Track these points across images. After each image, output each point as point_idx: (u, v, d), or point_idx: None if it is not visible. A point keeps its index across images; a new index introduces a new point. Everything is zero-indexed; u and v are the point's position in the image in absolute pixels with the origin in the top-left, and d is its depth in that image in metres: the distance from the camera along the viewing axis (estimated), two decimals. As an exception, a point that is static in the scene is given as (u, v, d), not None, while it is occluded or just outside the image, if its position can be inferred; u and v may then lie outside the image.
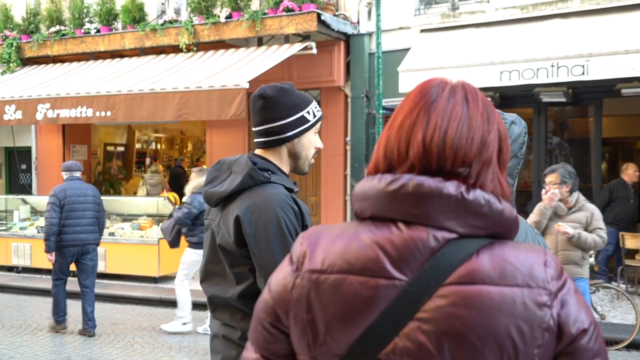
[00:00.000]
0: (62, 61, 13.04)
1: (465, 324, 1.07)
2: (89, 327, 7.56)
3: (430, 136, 1.16)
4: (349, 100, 11.27)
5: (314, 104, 2.44)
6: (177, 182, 14.38)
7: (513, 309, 1.07)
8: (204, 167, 9.87)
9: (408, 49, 10.25)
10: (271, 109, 2.33)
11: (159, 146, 16.56)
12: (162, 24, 11.69)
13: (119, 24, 12.39)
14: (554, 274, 1.12)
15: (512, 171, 1.88)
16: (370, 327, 1.12)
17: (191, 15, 11.62)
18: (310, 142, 2.42)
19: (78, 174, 7.77)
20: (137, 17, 11.96)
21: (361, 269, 1.14)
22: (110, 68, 11.96)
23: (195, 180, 7.66)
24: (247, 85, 9.36)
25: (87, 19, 12.63)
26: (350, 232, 1.19)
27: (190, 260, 7.67)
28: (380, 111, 9.88)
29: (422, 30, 10.58)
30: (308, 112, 2.39)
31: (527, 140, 1.93)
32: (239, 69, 10.21)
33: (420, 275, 1.11)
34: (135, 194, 14.35)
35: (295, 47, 10.59)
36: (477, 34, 10.02)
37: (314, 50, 10.66)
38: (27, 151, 14.38)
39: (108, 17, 12.36)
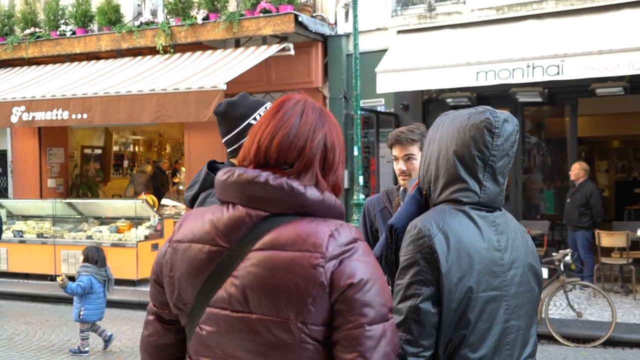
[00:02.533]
0: (38, 63, 12.90)
1: (259, 279, 1.43)
2: None
3: (263, 139, 1.53)
4: (327, 101, 11.28)
5: (264, 107, 2.54)
6: (155, 185, 14.30)
7: (294, 268, 1.41)
8: None
9: (385, 50, 10.29)
10: (223, 123, 2.56)
11: (137, 148, 16.43)
12: (138, 26, 11.62)
13: (95, 26, 12.29)
14: (340, 242, 1.44)
15: (502, 170, 1.88)
16: (204, 282, 1.51)
17: (168, 17, 11.56)
18: None
19: None
20: (113, 18, 11.87)
21: (200, 238, 1.53)
22: (87, 70, 11.85)
23: None
24: (224, 87, 9.34)
25: (62, 21, 12.52)
26: (204, 212, 1.58)
27: None
28: (359, 112, 9.89)
29: (399, 32, 10.62)
30: (255, 119, 2.50)
31: (518, 139, 1.92)
32: (216, 71, 10.18)
33: (239, 244, 1.48)
34: (119, 196, 14.25)
35: (273, 49, 10.58)
36: (453, 35, 10.08)
37: (292, 52, 10.66)
38: (2, 154, 14.20)
39: (84, 19, 12.26)
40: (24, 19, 12.73)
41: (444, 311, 1.74)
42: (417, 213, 1.91)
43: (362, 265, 1.44)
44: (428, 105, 10.71)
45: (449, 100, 10.31)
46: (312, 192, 1.49)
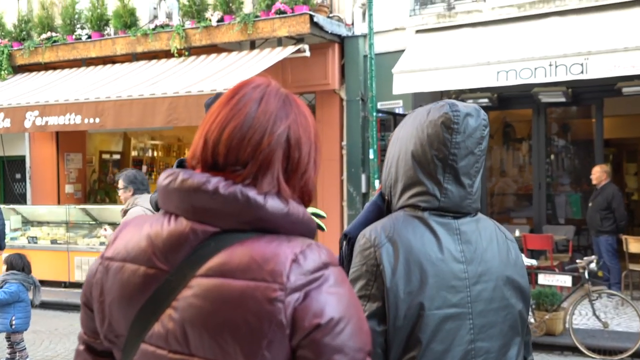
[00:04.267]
0: (54, 68, 12.85)
1: (201, 314, 1.13)
2: None
3: (211, 132, 1.22)
4: (345, 103, 11.03)
5: None
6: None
7: (246, 302, 1.10)
8: None
9: (403, 51, 10.01)
10: None
11: (155, 153, 16.34)
12: (153, 29, 11.49)
13: (111, 30, 12.20)
14: (306, 268, 1.13)
15: (467, 170, 1.64)
16: (139, 312, 1.20)
17: (183, 20, 11.42)
18: None
19: None
20: (128, 22, 11.77)
21: (134, 258, 1.23)
22: (102, 74, 11.76)
23: None
24: (237, 89, 9.11)
25: (78, 25, 12.45)
26: (142, 223, 1.27)
27: None
28: (374, 114, 9.63)
29: (417, 31, 10.33)
30: None
31: (488, 134, 1.68)
32: (230, 73, 9.99)
33: (180, 267, 1.17)
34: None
35: (288, 50, 10.36)
36: (473, 34, 9.77)
37: (307, 53, 10.43)
38: (21, 160, 14.20)
39: (99, 23, 12.17)
40: (41, 23, 12.69)
41: (390, 330, 1.53)
42: (375, 220, 1.69)
43: (334, 299, 1.13)
44: (447, 106, 10.37)
45: (469, 101, 9.98)
46: (274, 203, 1.18)
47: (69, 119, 10.39)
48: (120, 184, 5.83)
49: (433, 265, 1.56)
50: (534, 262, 7.88)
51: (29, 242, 11.29)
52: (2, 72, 12.81)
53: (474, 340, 1.59)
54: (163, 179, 1.24)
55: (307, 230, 1.24)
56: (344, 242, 1.73)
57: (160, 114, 9.66)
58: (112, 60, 12.28)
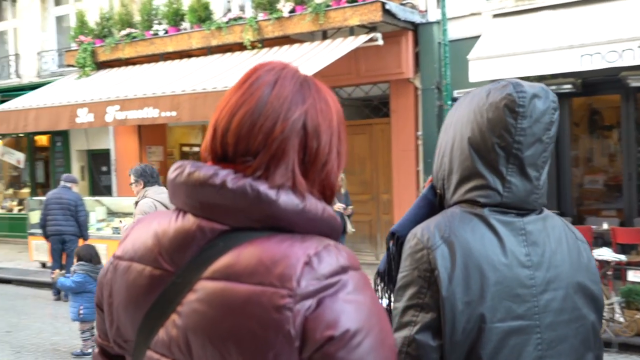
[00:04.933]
0: (134, 63, 13.18)
1: (205, 321, 1.03)
2: None
3: (221, 119, 1.11)
4: (419, 92, 10.74)
5: None
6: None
7: (251, 309, 0.98)
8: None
9: (479, 36, 9.61)
10: None
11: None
12: (226, 22, 11.56)
13: (187, 24, 12.38)
14: (321, 272, 0.99)
15: (534, 160, 1.43)
16: (145, 315, 1.11)
17: (256, 11, 11.42)
18: None
19: (68, 184, 9.79)
20: (203, 16, 11.89)
21: (141, 257, 1.14)
22: (178, 68, 11.96)
23: None
24: (307, 81, 9.02)
25: (155, 21, 12.70)
26: (152, 220, 1.18)
27: None
28: (449, 102, 9.30)
29: (494, 15, 9.91)
30: None
31: (558, 119, 1.46)
32: (301, 64, 9.89)
33: (187, 268, 1.07)
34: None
35: (360, 40, 10.17)
36: (554, 17, 9.26)
37: (380, 42, 10.21)
38: (106, 153, 14.71)
39: (175, 18, 12.37)
40: (121, 20, 13.04)
41: (446, 345, 1.33)
42: (427, 217, 1.49)
43: (351, 308, 0.99)
44: (527, 93, 9.90)
45: (550, 87, 9.45)
46: (288, 199, 1.05)
47: (147, 113, 10.61)
48: (132, 178, 6.16)
49: (495, 270, 1.36)
50: (623, 257, 7.41)
51: (114, 233, 11.64)
52: (86, 69, 13.25)
53: (542, 357, 1.40)
54: (171, 172, 1.14)
55: (329, 228, 1.10)
56: (391, 242, 1.55)
57: (233, 106, 9.69)
58: (188, 54, 12.46)
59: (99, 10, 13.72)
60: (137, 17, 13.03)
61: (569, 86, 9.40)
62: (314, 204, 1.08)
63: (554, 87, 9.52)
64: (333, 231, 1.10)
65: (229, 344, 1.00)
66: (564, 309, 1.42)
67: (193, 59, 12.30)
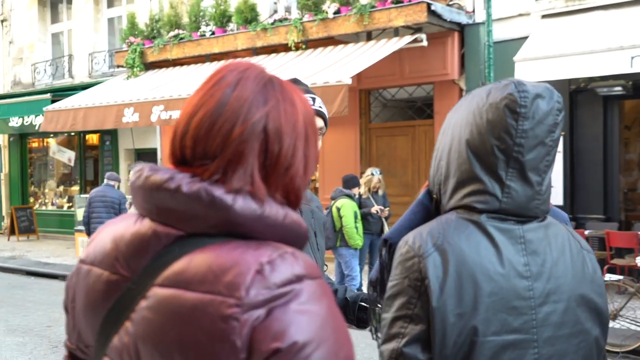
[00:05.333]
0: (181, 64, 13.38)
1: (153, 329, 1.00)
2: None
3: (180, 121, 1.08)
4: (464, 94, 10.57)
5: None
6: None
7: (198, 319, 0.95)
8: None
9: (527, 37, 9.41)
10: None
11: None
12: (272, 23, 11.62)
13: (234, 26, 12.50)
14: (272, 281, 0.95)
15: (536, 164, 1.34)
16: (102, 322, 1.09)
17: (302, 12, 11.45)
18: None
19: (111, 182, 10.18)
20: (249, 17, 11.98)
21: (100, 262, 1.12)
22: (223, 69, 12.06)
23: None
24: (349, 81, 9.00)
25: (203, 22, 12.86)
26: (116, 224, 1.16)
27: None
28: (493, 105, 9.12)
29: (543, 16, 9.69)
30: None
31: (562, 121, 1.38)
32: (344, 65, 9.88)
33: (142, 274, 1.05)
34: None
35: (404, 41, 10.08)
36: (605, 17, 8.99)
37: (424, 42, 10.10)
38: (152, 152, 14.97)
39: (222, 19, 12.50)
40: (169, 22, 13.25)
41: (436, 359, 1.26)
42: (422, 223, 1.42)
43: (303, 319, 0.94)
44: (576, 96, 9.65)
45: (600, 89, 9.23)
46: (245, 204, 1.01)
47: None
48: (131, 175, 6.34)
49: (491, 281, 1.29)
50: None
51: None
52: (135, 69, 13.51)
53: None
54: (131, 174, 1.12)
55: (293, 235, 1.06)
56: (384, 249, 1.48)
57: (275, 107, 9.73)
58: (234, 55, 12.57)
59: (149, 12, 13.98)
60: (185, 19, 13.22)
61: (619, 88, 9.13)
62: (275, 210, 1.04)
63: (605, 90, 9.27)
64: (297, 238, 1.06)
65: (175, 354, 0.97)
66: (564, 323, 1.34)
67: (239, 59, 12.39)
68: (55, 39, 17.75)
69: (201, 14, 12.89)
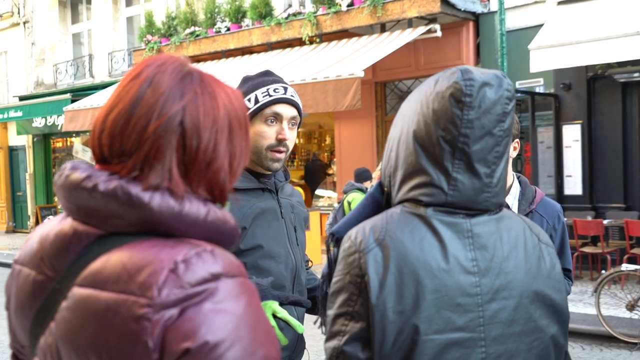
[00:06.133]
0: (198, 61, 13.39)
1: (70, 330, 0.99)
2: None
3: (98, 119, 1.07)
4: (480, 84, 10.44)
5: (267, 88, 2.13)
6: (312, 177, 14.35)
7: (111, 319, 0.94)
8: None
9: (542, 25, 9.26)
10: None
11: (297, 141, 16.63)
12: (286, 18, 11.60)
13: (249, 21, 12.51)
14: (187, 280, 0.94)
15: (484, 155, 1.28)
16: (32, 323, 1.09)
17: (316, 6, 11.41)
18: (255, 133, 2.12)
19: None
20: (263, 12, 11.98)
21: (28, 262, 1.12)
22: (239, 64, 12.10)
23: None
24: (361, 74, 8.95)
25: (218, 18, 12.89)
26: (46, 223, 1.15)
27: None
28: (507, 94, 8.99)
29: (559, 3, 9.51)
30: (249, 100, 2.10)
31: (513, 110, 1.32)
32: (357, 58, 9.82)
33: (65, 274, 1.04)
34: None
35: (417, 32, 10.00)
36: (622, 2, 8.79)
37: (438, 33, 10.01)
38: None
39: (237, 15, 12.51)
40: (186, 19, 13.31)
41: (375, 358, 1.23)
42: (371, 216, 1.38)
43: (217, 319, 0.92)
44: (594, 83, 9.48)
45: (618, 76, 9.04)
46: (163, 202, 0.99)
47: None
48: None
49: (433, 277, 1.24)
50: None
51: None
52: (152, 67, 13.59)
53: None
54: (57, 173, 1.11)
55: (218, 233, 1.03)
56: (332, 244, 1.44)
57: (289, 101, 9.73)
58: (250, 50, 12.59)
59: (166, 10, 14.06)
60: (201, 16, 13.26)
61: (638, 74, 8.94)
62: (195, 207, 1.02)
63: (623, 76, 9.08)
64: (222, 235, 1.04)
65: (90, 354, 0.96)
66: (515, 320, 1.28)
67: (254, 55, 12.41)
68: (76, 39, 17.95)
69: (216, 10, 12.92)
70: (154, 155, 1.01)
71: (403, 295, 1.23)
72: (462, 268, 1.26)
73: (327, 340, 1.29)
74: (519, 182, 2.70)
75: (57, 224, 1.10)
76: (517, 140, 2.67)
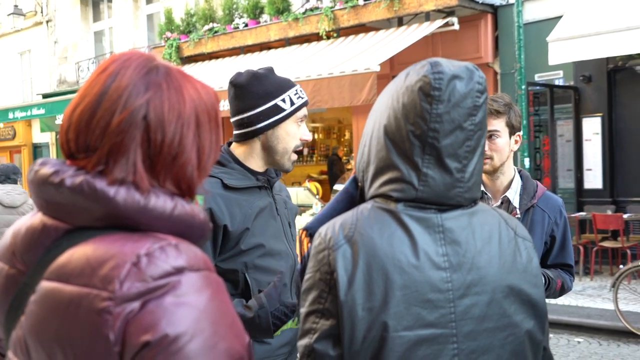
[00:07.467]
0: (216, 57, 13.48)
1: (37, 323, 1.01)
2: None
3: (65, 115, 1.09)
4: (499, 77, 10.36)
5: (295, 89, 2.15)
6: (330, 170, 14.37)
7: (74, 312, 0.96)
8: None
9: (561, 17, 9.13)
10: (241, 98, 2.13)
11: (316, 136, 16.63)
12: (303, 13, 11.59)
13: (267, 17, 12.52)
14: (150, 273, 0.95)
15: (454, 150, 1.26)
16: (6, 316, 1.10)
17: (333, 0, 11.38)
18: (288, 134, 2.14)
19: None
20: (281, 7, 11.98)
21: (2, 256, 1.14)
22: (257, 60, 12.12)
23: None
24: (377, 69, 8.91)
25: (236, 15, 12.92)
26: (23, 218, 1.17)
27: None
28: (522, 87, 8.90)
29: (579, -7, 9.37)
30: (284, 100, 2.11)
31: (485, 103, 1.29)
32: (374, 53, 9.79)
33: (34, 268, 1.06)
34: (299, 184, 14.60)
35: (434, 25, 9.93)
36: (644, -8, 8.63)
37: (456, 26, 9.93)
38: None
39: (255, 11, 12.53)
40: (204, 16, 13.36)
41: (345, 355, 1.22)
42: (344, 212, 1.36)
43: (178, 312, 0.93)
44: (614, 75, 9.33)
45: (639, 67, 8.89)
46: (127, 195, 1.00)
47: (223, 106, 10.81)
48: None
49: (403, 273, 1.22)
50: None
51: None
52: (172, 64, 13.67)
53: None
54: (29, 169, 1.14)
55: (185, 227, 1.04)
56: (305, 241, 1.43)
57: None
58: (268, 46, 12.60)
59: (185, 7, 14.13)
60: (219, 12, 13.30)
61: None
62: (161, 201, 1.02)
63: (643, 68, 8.93)
64: (189, 230, 1.04)
65: (54, 348, 0.97)
66: (488, 316, 1.26)
67: (272, 50, 12.43)
68: (98, 37, 18.13)
69: (234, 6, 12.95)
70: (118, 149, 1.02)
71: (372, 292, 1.22)
72: (432, 263, 1.25)
73: (299, 338, 1.28)
74: (520, 176, 2.66)
75: (29, 219, 1.12)
76: (519, 133, 2.63)
